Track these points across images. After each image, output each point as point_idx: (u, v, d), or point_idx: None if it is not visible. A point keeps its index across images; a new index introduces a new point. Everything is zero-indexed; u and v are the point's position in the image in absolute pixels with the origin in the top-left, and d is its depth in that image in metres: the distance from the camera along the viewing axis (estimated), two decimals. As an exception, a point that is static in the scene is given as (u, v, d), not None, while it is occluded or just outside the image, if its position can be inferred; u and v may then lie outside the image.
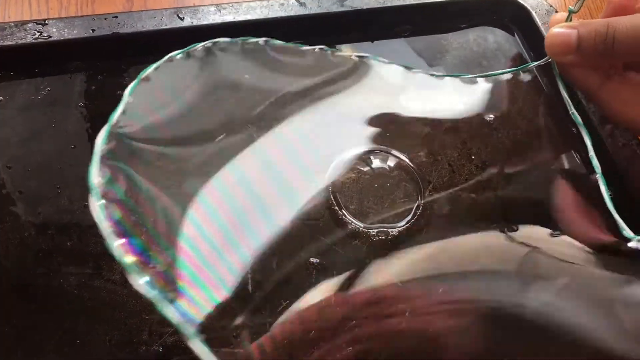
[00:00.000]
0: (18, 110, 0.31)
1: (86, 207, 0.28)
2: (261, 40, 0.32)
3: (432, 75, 0.34)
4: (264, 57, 0.32)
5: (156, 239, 0.24)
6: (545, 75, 0.36)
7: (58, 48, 0.32)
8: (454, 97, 0.35)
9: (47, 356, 0.25)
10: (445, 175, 0.31)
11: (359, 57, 0.34)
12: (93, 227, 0.27)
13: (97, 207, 0.23)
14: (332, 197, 0.29)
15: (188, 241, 0.25)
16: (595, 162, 0.31)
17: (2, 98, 0.31)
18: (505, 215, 0.30)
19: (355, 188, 0.30)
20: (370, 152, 0.31)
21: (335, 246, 0.28)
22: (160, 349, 0.25)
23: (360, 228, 0.29)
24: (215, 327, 0.24)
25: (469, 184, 0.31)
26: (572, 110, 0.32)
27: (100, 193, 0.23)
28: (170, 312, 0.22)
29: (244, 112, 0.31)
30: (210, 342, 0.22)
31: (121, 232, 0.23)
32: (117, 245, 0.22)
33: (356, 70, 0.34)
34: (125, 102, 0.27)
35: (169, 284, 0.23)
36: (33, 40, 0.32)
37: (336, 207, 0.29)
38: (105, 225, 0.23)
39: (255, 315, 0.26)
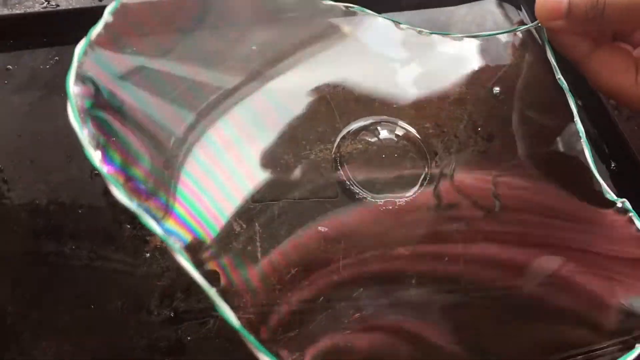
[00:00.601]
0: (27, 80, 0.31)
1: (96, 176, 0.28)
2: None
3: (420, 32, 0.34)
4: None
5: (139, 159, 0.25)
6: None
7: (66, 17, 0.32)
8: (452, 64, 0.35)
9: (61, 319, 0.25)
10: (451, 147, 0.31)
11: (346, 6, 0.33)
12: (103, 195, 0.28)
13: (73, 116, 0.22)
14: (339, 167, 0.30)
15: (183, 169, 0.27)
16: (580, 126, 0.31)
17: (10, 67, 0.31)
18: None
19: (362, 159, 0.30)
20: (377, 123, 0.31)
21: (343, 216, 0.29)
22: (172, 314, 0.25)
23: (368, 198, 0.29)
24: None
25: (475, 155, 0.32)
26: (559, 76, 0.32)
27: (78, 106, 0.23)
28: (152, 224, 0.22)
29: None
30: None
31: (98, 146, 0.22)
32: (95, 154, 0.22)
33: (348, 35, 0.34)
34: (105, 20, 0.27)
35: (158, 204, 0.24)
36: (41, 9, 0.32)
37: (344, 178, 0.29)
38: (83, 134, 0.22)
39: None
